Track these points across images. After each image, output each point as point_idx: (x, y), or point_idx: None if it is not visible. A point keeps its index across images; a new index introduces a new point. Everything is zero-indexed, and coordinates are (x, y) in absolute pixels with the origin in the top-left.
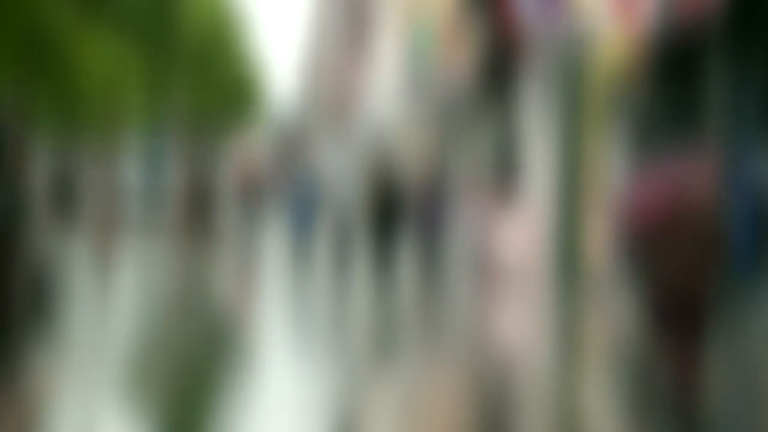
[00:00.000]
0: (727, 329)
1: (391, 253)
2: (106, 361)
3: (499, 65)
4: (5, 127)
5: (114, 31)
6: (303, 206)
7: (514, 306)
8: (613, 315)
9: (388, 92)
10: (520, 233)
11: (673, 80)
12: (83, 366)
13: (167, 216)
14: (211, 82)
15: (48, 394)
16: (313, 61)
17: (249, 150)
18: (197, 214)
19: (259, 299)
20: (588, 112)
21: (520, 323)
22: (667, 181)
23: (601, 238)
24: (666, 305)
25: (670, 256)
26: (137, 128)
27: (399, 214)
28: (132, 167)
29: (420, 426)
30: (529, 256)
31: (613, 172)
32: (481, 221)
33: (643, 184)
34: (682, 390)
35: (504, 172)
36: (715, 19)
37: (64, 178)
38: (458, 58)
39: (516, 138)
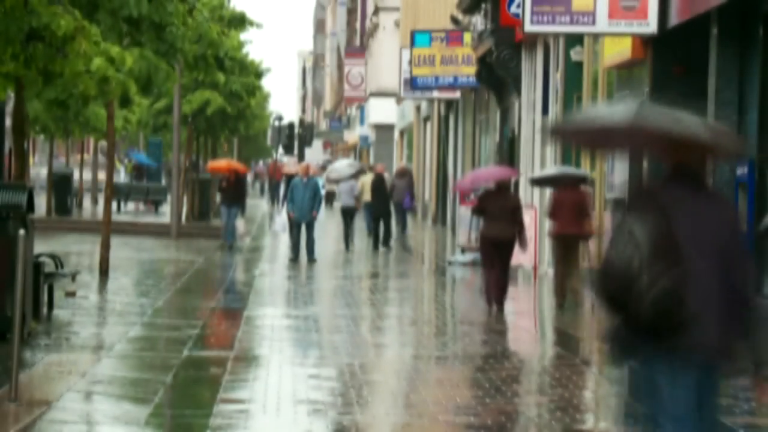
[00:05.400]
0: None
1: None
2: (105, 360)
3: (499, 64)
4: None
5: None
6: (304, 198)
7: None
8: None
9: (388, 92)
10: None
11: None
12: (83, 365)
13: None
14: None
15: (48, 394)
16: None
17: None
18: (198, 210)
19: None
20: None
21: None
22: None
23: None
24: (489, 248)
25: (494, 215)
26: (137, 127)
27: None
28: (133, 165)
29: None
30: (527, 254)
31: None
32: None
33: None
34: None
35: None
36: (715, 16)
37: (65, 176)
38: (458, 58)
39: (515, 136)
